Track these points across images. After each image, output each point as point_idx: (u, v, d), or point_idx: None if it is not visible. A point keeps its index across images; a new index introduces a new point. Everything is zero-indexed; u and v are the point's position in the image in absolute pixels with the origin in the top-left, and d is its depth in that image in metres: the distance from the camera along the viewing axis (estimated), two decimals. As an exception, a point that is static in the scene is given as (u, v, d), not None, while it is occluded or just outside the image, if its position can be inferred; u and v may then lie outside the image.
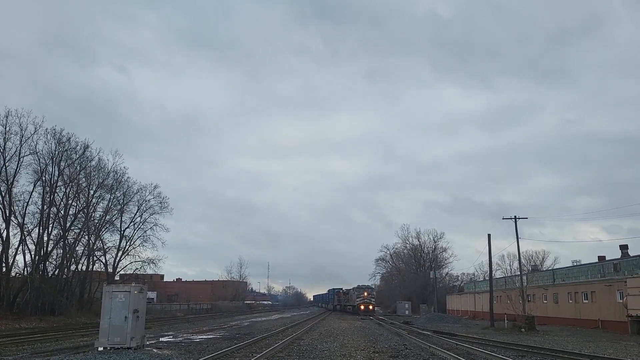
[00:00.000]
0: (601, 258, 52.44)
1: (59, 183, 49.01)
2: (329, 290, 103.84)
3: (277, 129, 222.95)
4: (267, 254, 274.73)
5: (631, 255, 46.15)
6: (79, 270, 53.30)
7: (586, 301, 46.73)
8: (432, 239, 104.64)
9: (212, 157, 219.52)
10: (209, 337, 28.27)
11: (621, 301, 39.25)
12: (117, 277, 58.12)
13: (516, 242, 45.30)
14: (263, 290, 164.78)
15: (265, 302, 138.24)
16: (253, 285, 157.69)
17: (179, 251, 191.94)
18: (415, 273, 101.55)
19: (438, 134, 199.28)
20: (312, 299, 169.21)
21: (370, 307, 69.10)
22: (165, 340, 25.65)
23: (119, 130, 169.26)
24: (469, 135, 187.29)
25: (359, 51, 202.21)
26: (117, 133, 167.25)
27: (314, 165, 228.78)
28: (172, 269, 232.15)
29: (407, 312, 76.57)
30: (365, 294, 69.84)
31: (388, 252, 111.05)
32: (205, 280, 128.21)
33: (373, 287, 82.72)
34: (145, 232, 57.73)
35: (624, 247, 49.28)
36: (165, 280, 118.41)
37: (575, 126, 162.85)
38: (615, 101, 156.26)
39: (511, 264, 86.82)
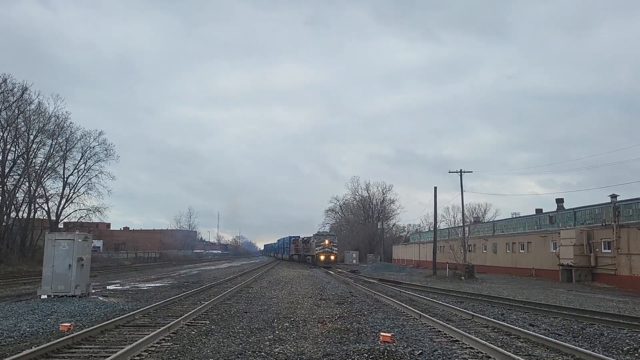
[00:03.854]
0: (538, 211, 55.17)
1: (-5, 127, 46.51)
2: (278, 240, 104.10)
3: (219, 76, 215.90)
4: (217, 204, 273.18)
5: (566, 208, 48.69)
6: (20, 217, 51.50)
7: (522, 251, 49.34)
8: (380, 190, 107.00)
9: (151, 104, 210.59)
10: (157, 285, 28.20)
11: (554, 251, 41.69)
12: (61, 225, 56.59)
13: (460, 195, 46.93)
14: (213, 240, 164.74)
15: (214, 252, 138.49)
16: (203, 234, 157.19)
17: (124, 200, 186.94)
18: (364, 224, 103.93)
19: (382, 87, 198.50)
20: (262, 249, 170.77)
21: (332, 257, 60.88)
22: (112, 288, 25.42)
23: (48, 72, 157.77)
24: (413, 88, 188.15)
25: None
26: (47, 75, 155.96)
27: (258, 115, 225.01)
28: (118, 218, 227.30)
29: (354, 262, 78.62)
30: (326, 241, 60.95)
31: (338, 203, 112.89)
32: (154, 229, 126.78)
33: (335, 234, 70.92)
34: (90, 179, 56.10)
35: (559, 201, 51.95)
36: (112, 229, 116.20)
37: (514, 82, 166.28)
38: (552, 58, 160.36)
39: (455, 215, 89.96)
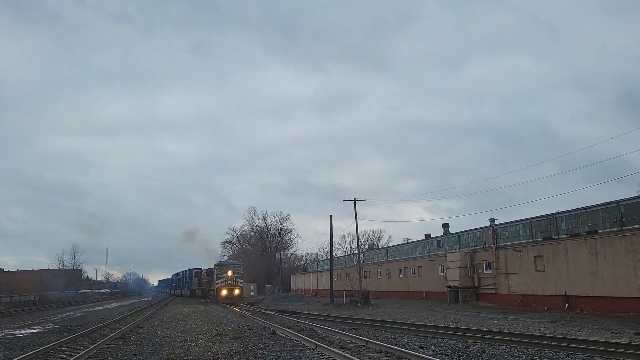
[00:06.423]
0: (427, 235, 58.15)
1: None
2: (176, 274, 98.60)
3: (100, 104, 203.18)
4: (105, 240, 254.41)
5: (451, 232, 51.80)
6: None
7: (414, 275, 51.55)
8: (278, 220, 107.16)
9: (22, 134, 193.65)
10: (35, 331, 25.77)
11: (442, 274, 44.02)
12: None
13: (355, 223, 48.27)
14: (101, 278, 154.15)
15: (102, 291, 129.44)
16: (89, 273, 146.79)
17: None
18: (262, 254, 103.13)
19: (272, 117, 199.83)
20: (157, 285, 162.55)
21: (237, 291, 52.59)
22: (-20, 338, 22.82)
23: None
24: (303, 118, 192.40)
25: (185, 23, 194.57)
26: None
27: (144, 146, 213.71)
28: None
29: (252, 294, 77.50)
30: (230, 273, 52.82)
31: (235, 234, 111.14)
32: (32, 270, 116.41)
33: (240, 264, 61.84)
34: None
35: (445, 226, 55.12)
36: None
37: (397, 113, 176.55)
38: (429, 91, 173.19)
39: (351, 243, 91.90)
